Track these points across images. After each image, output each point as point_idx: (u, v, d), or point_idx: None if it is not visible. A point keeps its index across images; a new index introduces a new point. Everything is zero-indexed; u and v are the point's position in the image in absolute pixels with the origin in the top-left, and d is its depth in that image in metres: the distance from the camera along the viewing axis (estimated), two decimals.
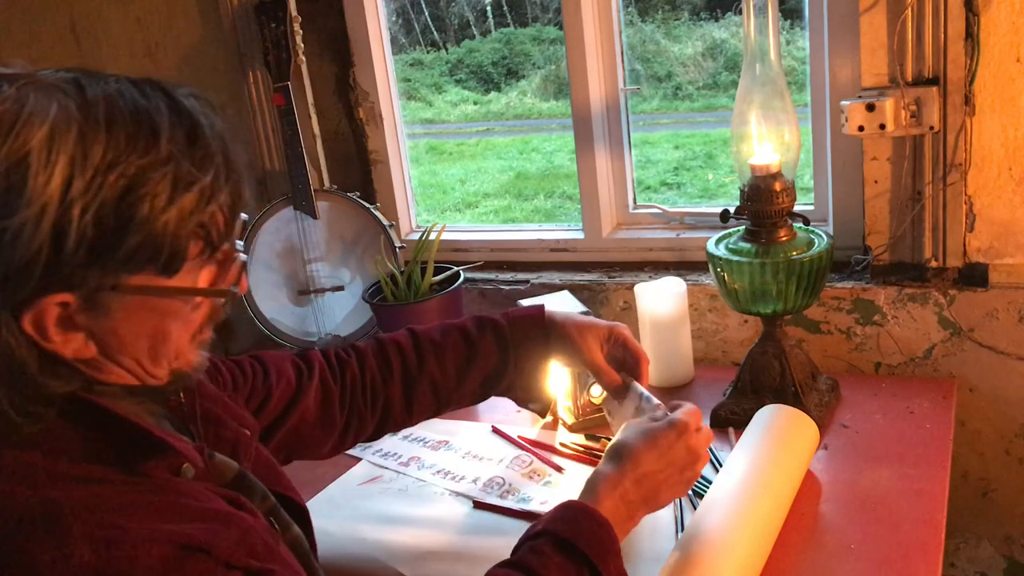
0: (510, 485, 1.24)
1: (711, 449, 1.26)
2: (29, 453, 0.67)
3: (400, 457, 1.36)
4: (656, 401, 1.02)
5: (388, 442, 1.40)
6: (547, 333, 1.11)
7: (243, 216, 0.75)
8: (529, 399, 1.15)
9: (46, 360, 0.67)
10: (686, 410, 0.96)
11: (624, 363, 1.10)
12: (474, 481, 1.27)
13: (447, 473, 1.30)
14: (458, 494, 1.24)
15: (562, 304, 1.09)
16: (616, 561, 0.86)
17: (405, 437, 1.42)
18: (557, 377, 1.32)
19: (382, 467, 1.34)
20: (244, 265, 0.76)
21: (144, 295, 0.68)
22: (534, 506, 1.18)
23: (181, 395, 0.84)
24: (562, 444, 1.33)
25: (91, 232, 0.63)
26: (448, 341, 1.11)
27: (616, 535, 0.87)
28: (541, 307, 1.13)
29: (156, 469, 0.73)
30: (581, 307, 1.40)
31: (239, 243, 0.76)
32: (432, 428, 1.42)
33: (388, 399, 1.10)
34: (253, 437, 0.91)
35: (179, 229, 0.67)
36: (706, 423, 0.99)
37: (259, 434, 1.00)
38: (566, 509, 0.88)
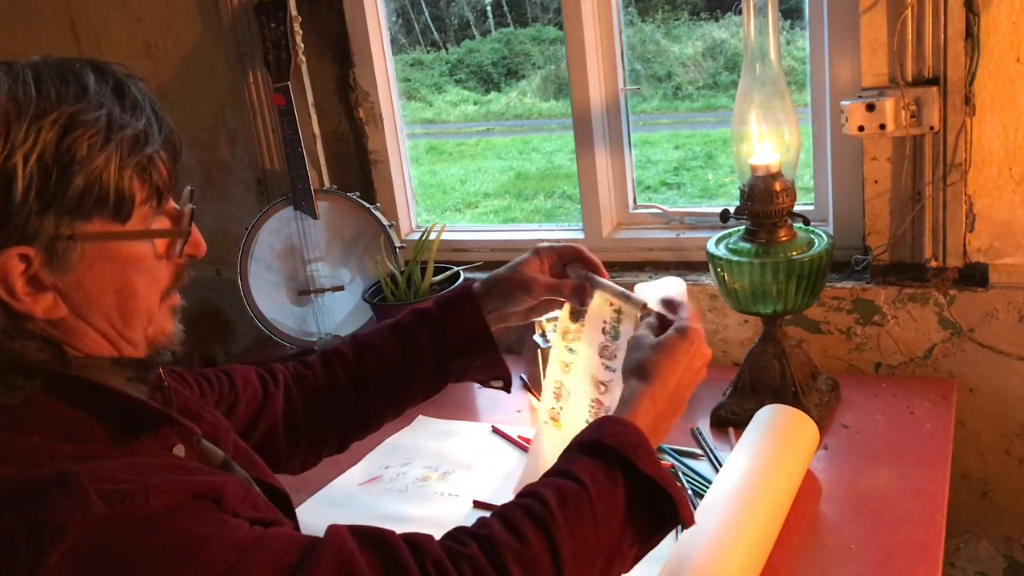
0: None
1: (712, 449, 1.26)
2: (28, 436, 0.68)
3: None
4: (638, 298, 0.98)
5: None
6: (476, 304, 1.06)
7: (188, 188, 0.80)
8: (489, 378, 1.10)
9: (19, 322, 0.70)
10: (692, 315, 0.94)
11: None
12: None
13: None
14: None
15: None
16: (649, 456, 0.82)
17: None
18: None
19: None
20: (192, 213, 0.79)
21: (101, 241, 0.71)
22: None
23: (163, 379, 0.85)
24: None
25: (37, 178, 0.66)
26: (385, 341, 1.09)
27: (646, 437, 0.84)
28: (467, 283, 1.09)
29: (150, 446, 0.75)
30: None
31: (190, 205, 0.79)
32: (431, 430, 1.42)
33: (341, 408, 1.09)
34: (230, 431, 0.92)
35: (121, 170, 0.70)
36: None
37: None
38: (591, 425, 0.86)
